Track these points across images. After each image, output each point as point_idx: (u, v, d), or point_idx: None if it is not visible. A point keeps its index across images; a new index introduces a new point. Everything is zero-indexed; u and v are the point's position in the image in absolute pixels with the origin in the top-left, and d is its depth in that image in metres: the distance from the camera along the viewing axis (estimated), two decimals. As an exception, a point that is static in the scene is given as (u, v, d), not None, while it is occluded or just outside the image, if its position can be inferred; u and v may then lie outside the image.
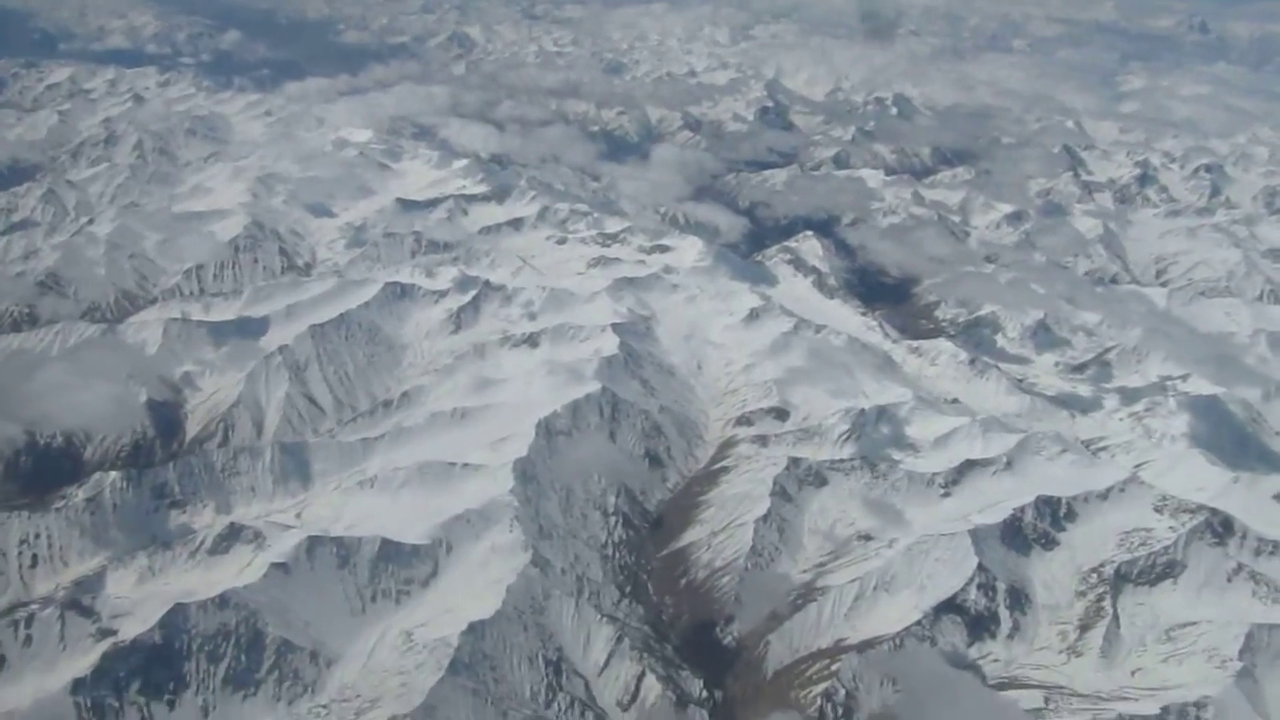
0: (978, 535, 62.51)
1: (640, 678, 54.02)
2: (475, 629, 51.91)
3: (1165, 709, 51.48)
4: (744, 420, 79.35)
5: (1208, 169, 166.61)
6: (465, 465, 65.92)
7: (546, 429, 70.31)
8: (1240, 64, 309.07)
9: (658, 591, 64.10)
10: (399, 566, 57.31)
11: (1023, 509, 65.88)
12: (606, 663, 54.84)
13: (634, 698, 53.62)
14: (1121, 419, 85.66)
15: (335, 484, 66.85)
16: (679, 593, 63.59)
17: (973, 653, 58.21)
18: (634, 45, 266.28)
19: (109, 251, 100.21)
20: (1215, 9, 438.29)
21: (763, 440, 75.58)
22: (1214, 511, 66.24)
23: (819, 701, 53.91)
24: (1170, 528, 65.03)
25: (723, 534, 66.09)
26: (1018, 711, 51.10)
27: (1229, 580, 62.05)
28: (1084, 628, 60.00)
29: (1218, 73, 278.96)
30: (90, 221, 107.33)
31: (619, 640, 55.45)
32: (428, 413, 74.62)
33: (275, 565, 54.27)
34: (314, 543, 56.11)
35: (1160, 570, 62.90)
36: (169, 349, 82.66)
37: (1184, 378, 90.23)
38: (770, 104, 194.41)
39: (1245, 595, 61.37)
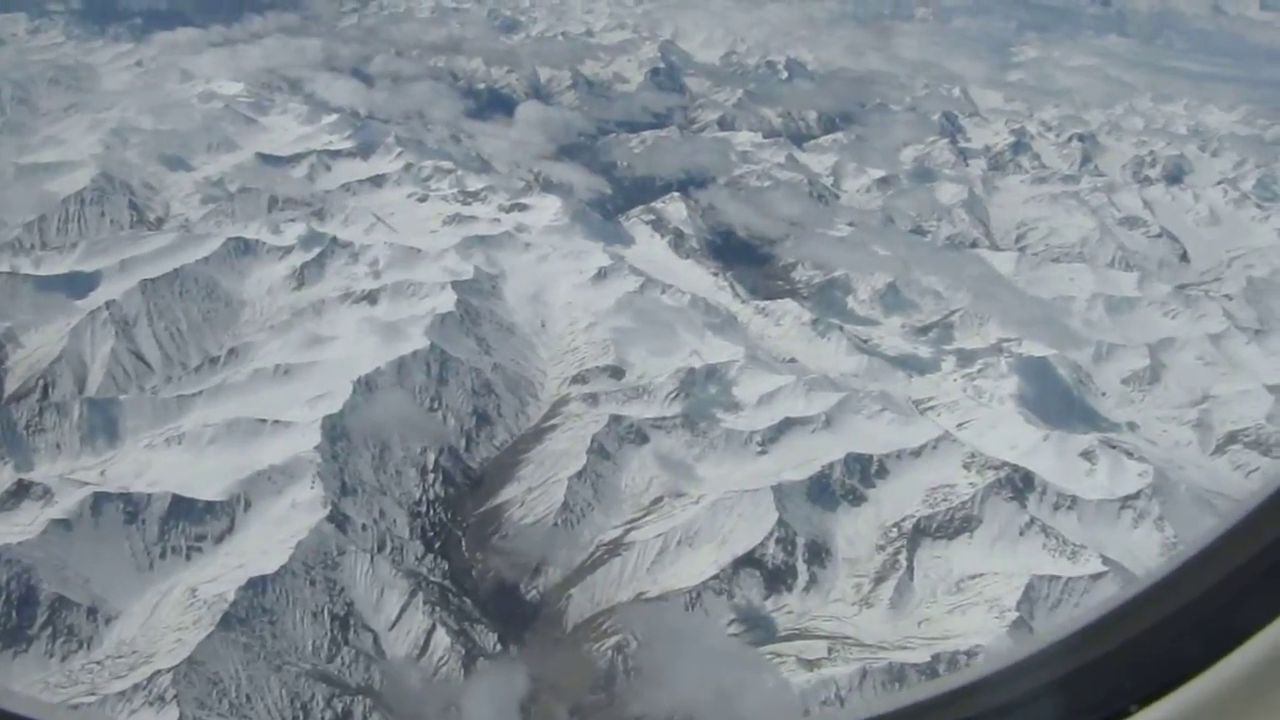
0: (781, 491, 63.90)
1: (431, 632, 54.42)
2: (255, 584, 51.84)
3: (935, 657, 53.40)
4: (579, 379, 79.68)
5: (1080, 138, 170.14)
6: (275, 422, 65.35)
7: (366, 385, 69.90)
8: (1134, 37, 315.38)
9: (470, 548, 64.46)
10: (191, 523, 56.81)
11: (831, 466, 67.43)
12: (399, 617, 55.11)
13: (423, 651, 54.03)
14: (955, 380, 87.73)
15: (146, 441, 65.80)
16: (490, 549, 64.01)
17: (768, 605, 59.69)
18: (535, 3, 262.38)
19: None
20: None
21: (593, 399, 76.05)
22: (1015, 468, 68.61)
23: (610, 654, 54.94)
24: (971, 483, 67.10)
25: (538, 491, 66.60)
26: (759, 662, 52.55)
27: (1021, 534, 64.38)
28: (879, 580, 61.86)
29: (1107, 45, 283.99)
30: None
31: (413, 595, 55.75)
32: (252, 369, 73.74)
33: (55, 521, 53.47)
34: (99, 499, 55.38)
35: (958, 524, 64.98)
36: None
37: (1018, 340, 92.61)
38: (662, 65, 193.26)
39: (1036, 548, 63.72)
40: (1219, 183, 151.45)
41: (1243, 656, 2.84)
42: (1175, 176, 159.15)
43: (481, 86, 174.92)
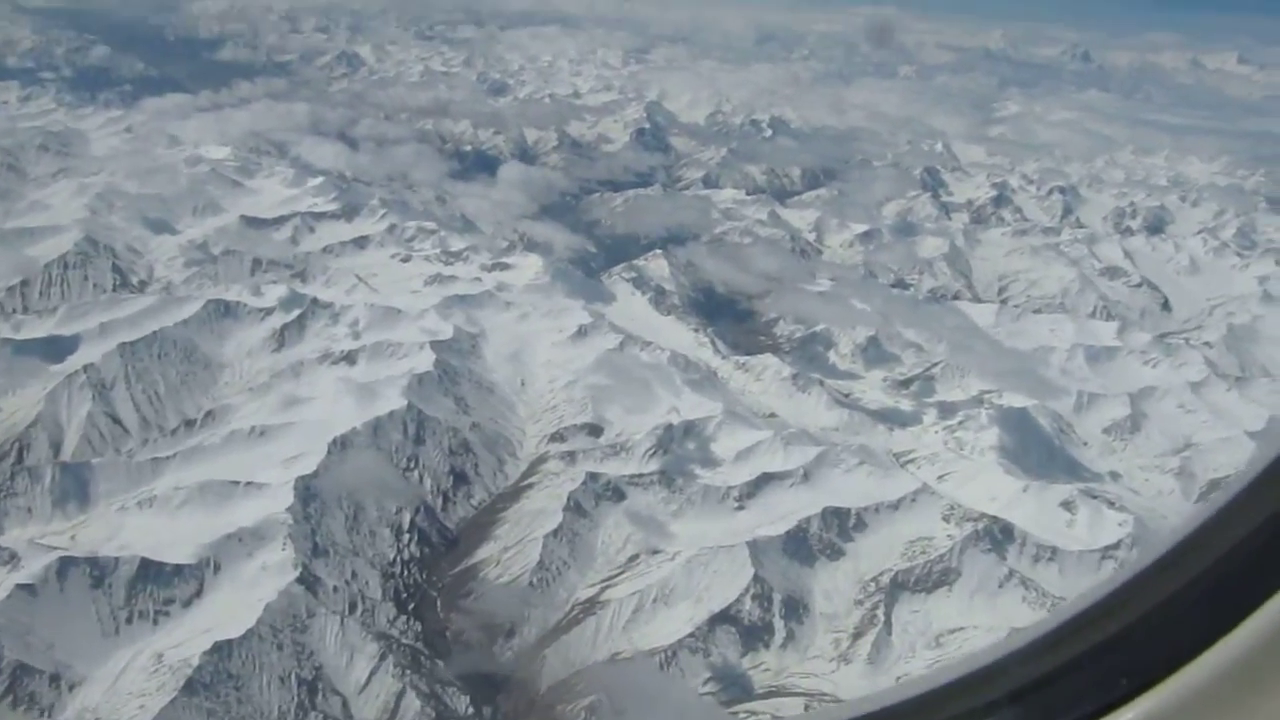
0: (757, 547, 63.45)
1: (400, 695, 53.66)
2: (221, 648, 51.19)
3: (912, 713, 52.61)
4: (558, 437, 79.47)
5: (1061, 190, 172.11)
6: (248, 484, 64.97)
7: (341, 446, 69.64)
8: (1115, 92, 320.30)
9: (445, 608, 63.78)
10: (159, 587, 56.20)
11: (808, 520, 67.04)
12: (368, 681, 54.37)
13: (393, 715, 53.25)
14: (936, 432, 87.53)
15: (118, 504, 65.36)
16: (465, 609, 63.30)
17: (745, 663, 59.01)
18: (524, 66, 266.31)
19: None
20: (1102, 39, 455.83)
21: (571, 457, 75.74)
22: (994, 519, 68.24)
23: (583, 715, 54.16)
24: (950, 536, 66.70)
25: (514, 549, 66.06)
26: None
27: (1000, 586, 63.94)
28: (857, 635, 61.24)
29: (1088, 99, 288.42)
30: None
31: (383, 658, 55.05)
32: (228, 431, 73.48)
33: (20, 587, 52.81)
34: (66, 563, 54.80)
35: (936, 578, 64.48)
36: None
37: (999, 392, 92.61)
38: (647, 125, 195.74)
39: (1015, 601, 63.28)
40: (1199, 232, 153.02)
41: (1232, 643, 2.80)
42: (1156, 227, 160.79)
43: (468, 148, 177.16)
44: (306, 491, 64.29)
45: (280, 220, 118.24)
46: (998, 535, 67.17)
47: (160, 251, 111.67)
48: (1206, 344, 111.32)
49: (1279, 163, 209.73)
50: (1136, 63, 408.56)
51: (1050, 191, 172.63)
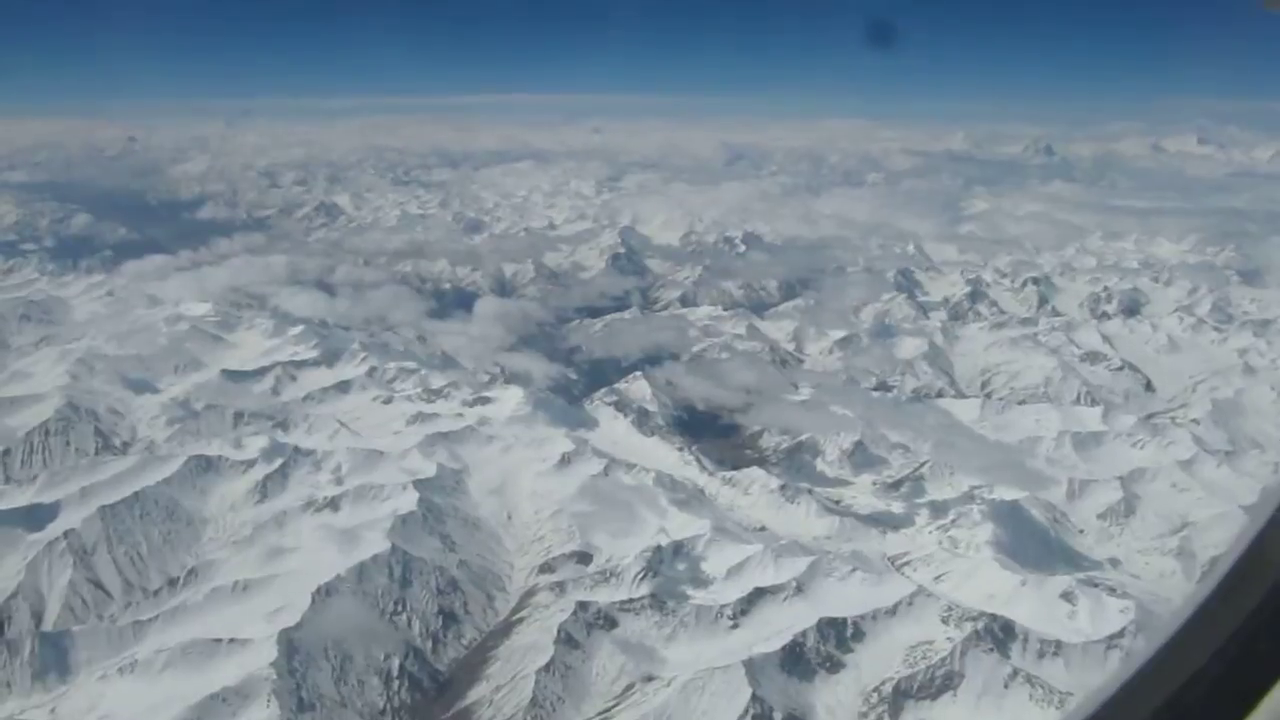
0: (754, 666, 61.97)
1: None
2: (204, 818, 49.33)
3: (925, 828, 50.81)
4: (547, 567, 78.43)
5: (1035, 281, 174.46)
6: (231, 641, 63.64)
7: (325, 594, 68.50)
8: (1079, 181, 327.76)
9: (438, 756, 61.97)
10: (140, 757, 54.54)
11: (804, 634, 65.71)
12: (359, 839, 52.44)
13: None
14: (930, 532, 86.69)
15: (100, 672, 63.85)
16: (459, 755, 61.54)
17: (750, 788, 57.09)
18: (498, 203, 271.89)
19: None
20: (1063, 131, 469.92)
21: (561, 587, 74.59)
22: (993, 617, 66.98)
23: None
24: (950, 638, 65.34)
25: (506, 688, 64.45)
26: None
27: (1006, 686, 62.34)
28: (863, 750, 59.43)
29: (1052, 191, 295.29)
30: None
31: (374, 813, 53.19)
32: (210, 588, 72.31)
33: (-5, 769, 51.21)
34: (42, 740, 53.23)
35: (940, 682, 62.92)
36: (-53, 545, 79.21)
37: (989, 486, 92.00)
38: (622, 250, 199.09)
39: (1023, 700, 61.63)
40: (1175, 311, 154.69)
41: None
42: (1132, 309, 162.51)
43: (447, 286, 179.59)
44: (290, 644, 62.96)
45: (261, 371, 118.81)
46: (998, 633, 65.84)
47: (142, 411, 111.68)
48: (1193, 421, 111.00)
49: (1246, 237, 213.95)
50: (1099, 152, 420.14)
51: (1024, 283, 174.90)
